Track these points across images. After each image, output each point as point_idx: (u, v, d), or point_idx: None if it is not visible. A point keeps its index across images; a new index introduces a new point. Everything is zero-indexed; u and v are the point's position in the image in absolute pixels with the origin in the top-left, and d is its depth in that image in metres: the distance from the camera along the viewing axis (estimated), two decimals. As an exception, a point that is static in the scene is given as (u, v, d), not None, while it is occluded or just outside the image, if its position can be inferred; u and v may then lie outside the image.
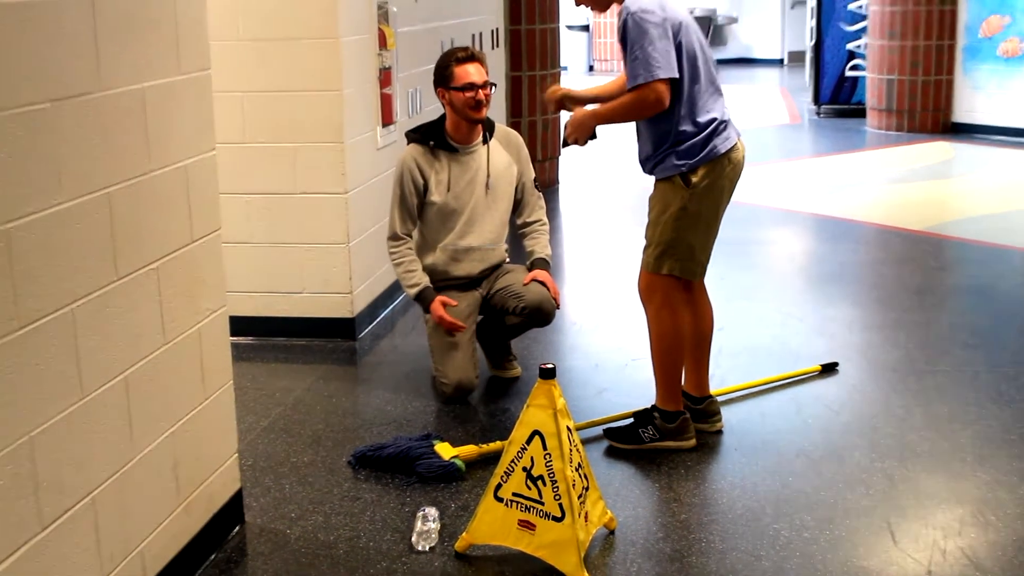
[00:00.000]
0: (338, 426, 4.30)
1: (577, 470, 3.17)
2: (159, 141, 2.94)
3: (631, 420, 4.06)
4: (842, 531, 3.40)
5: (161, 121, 2.95)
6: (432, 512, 3.42)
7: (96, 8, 2.63)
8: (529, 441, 3.13)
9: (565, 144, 4.03)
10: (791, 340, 5.18)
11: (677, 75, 3.65)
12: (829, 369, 4.73)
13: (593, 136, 3.93)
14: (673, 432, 3.96)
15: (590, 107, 4.02)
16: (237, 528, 3.49)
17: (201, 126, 3.20)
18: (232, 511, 3.46)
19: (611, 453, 3.98)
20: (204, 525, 3.26)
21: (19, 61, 2.34)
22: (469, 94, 4.38)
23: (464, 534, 3.29)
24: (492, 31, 8.13)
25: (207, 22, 3.23)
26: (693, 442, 3.99)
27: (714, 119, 3.77)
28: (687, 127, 3.73)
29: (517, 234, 4.72)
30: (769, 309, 5.70)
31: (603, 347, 5.18)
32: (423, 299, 4.49)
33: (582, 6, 3.94)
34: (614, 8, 3.83)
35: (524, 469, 3.14)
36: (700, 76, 3.74)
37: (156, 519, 2.99)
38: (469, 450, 3.90)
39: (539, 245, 4.62)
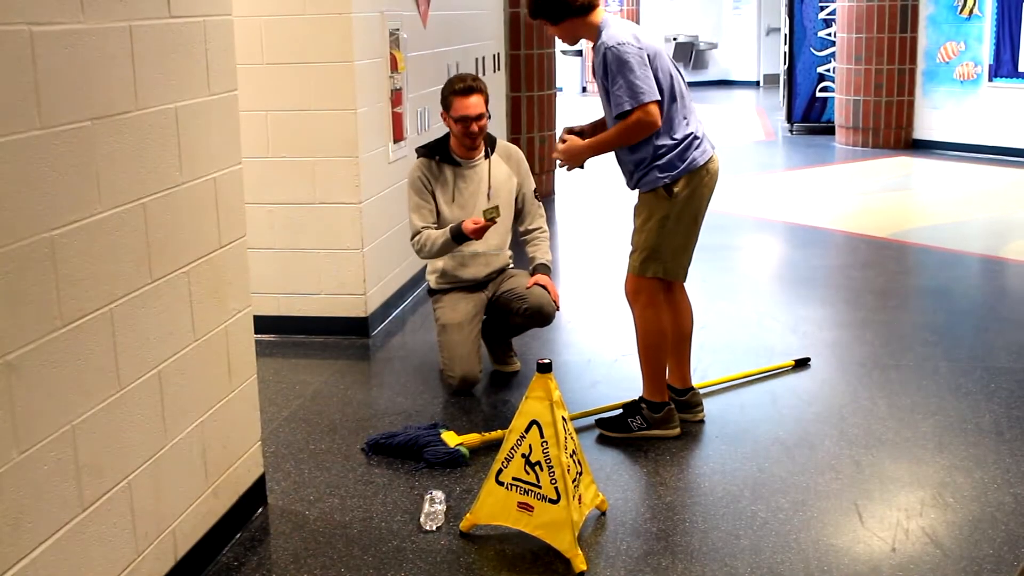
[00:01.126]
0: (353, 416, 4.29)
1: (571, 456, 3.16)
2: (190, 156, 2.94)
3: (620, 411, 4.05)
4: (814, 512, 3.40)
5: (192, 137, 2.94)
6: (439, 495, 3.42)
7: (134, 35, 2.63)
8: (528, 430, 3.12)
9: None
10: (767, 338, 5.17)
11: (659, 98, 3.65)
12: (802, 364, 4.72)
13: (581, 166, 3.90)
14: (660, 421, 3.95)
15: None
16: (260, 509, 3.48)
17: (228, 142, 3.19)
18: (256, 494, 3.46)
19: (602, 441, 3.97)
20: (230, 507, 3.26)
21: (63, 83, 2.34)
22: (462, 125, 4.40)
23: (468, 515, 3.28)
24: (494, 55, 8.12)
25: (234, 47, 3.22)
26: (678, 431, 3.98)
27: (690, 134, 3.77)
28: (665, 141, 3.73)
29: (519, 240, 4.71)
30: (747, 309, 5.69)
31: (595, 344, 5.17)
32: (459, 234, 4.34)
33: (555, 36, 3.95)
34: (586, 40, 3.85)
35: (523, 455, 3.13)
36: (676, 97, 3.75)
37: (187, 501, 2.98)
38: (472, 438, 3.89)
39: (540, 251, 4.61)
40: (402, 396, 4.51)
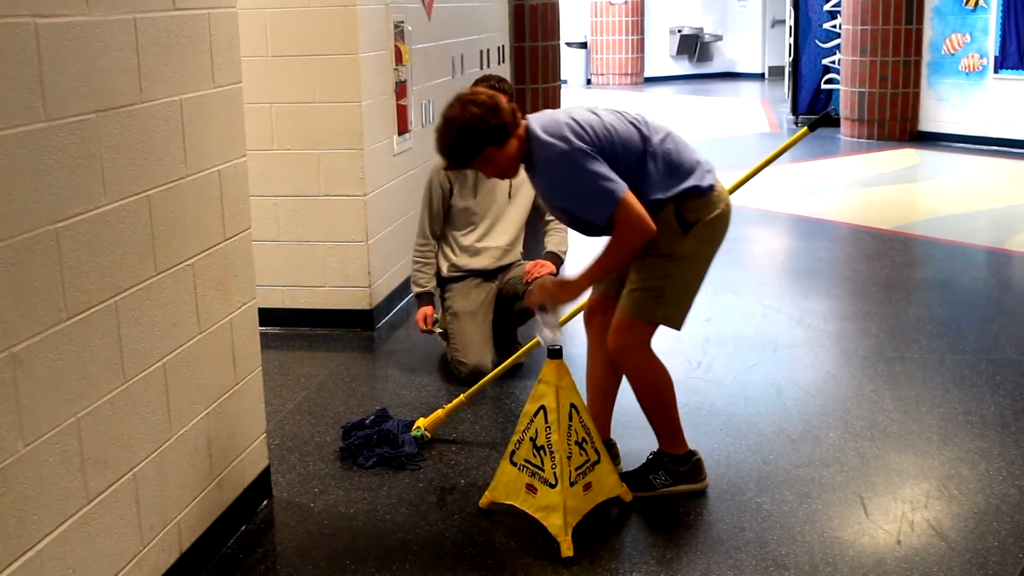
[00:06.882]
0: (358, 409, 4.29)
1: (580, 444, 3.17)
2: (195, 148, 2.93)
3: (641, 466, 3.50)
4: (818, 504, 3.39)
5: (197, 130, 2.94)
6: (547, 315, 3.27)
7: (138, 27, 2.62)
8: (536, 414, 3.16)
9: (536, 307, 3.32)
10: (771, 330, 5.17)
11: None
12: (825, 121, 3.92)
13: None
14: (686, 475, 3.45)
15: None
16: (265, 502, 3.48)
17: (233, 134, 3.19)
18: (261, 486, 3.46)
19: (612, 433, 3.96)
20: (235, 499, 3.26)
21: (68, 76, 2.34)
22: None
23: (487, 492, 3.34)
24: (498, 48, 8.11)
25: (239, 40, 3.22)
26: (706, 483, 3.49)
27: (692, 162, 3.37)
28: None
29: (540, 232, 4.74)
30: (751, 302, 5.68)
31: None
32: (420, 300, 4.60)
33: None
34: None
35: (531, 439, 3.17)
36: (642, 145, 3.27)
37: (192, 493, 2.99)
38: (436, 416, 3.91)
39: (554, 241, 4.66)
40: (407, 389, 4.51)
